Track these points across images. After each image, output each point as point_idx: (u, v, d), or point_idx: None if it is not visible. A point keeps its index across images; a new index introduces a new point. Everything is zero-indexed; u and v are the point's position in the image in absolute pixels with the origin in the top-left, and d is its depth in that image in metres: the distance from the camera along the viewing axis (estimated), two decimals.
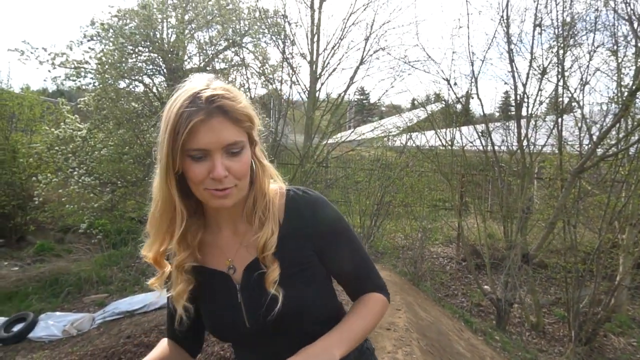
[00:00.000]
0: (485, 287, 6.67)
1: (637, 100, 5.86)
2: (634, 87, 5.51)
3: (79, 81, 8.37)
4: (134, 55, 8.40)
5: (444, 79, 7.15)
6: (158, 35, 8.51)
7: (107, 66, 7.80)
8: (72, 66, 8.03)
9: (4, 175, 9.46)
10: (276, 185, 1.03)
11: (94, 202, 8.34)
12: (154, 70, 8.73)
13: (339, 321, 1.02)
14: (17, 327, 5.95)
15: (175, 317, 1.05)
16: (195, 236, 1.01)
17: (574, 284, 6.09)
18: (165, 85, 8.74)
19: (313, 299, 0.99)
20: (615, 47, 6.08)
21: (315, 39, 9.03)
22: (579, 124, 6.36)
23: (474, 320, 5.51)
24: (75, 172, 8.16)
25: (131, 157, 8.30)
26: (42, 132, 9.27)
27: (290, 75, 7.92)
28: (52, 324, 6.01)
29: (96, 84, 8.40)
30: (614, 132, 6.10)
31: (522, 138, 6.59)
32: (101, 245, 8.23)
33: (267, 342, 1.00)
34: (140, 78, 8.59)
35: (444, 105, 7.93)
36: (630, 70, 5.97)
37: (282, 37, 8.11)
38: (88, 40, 8.21)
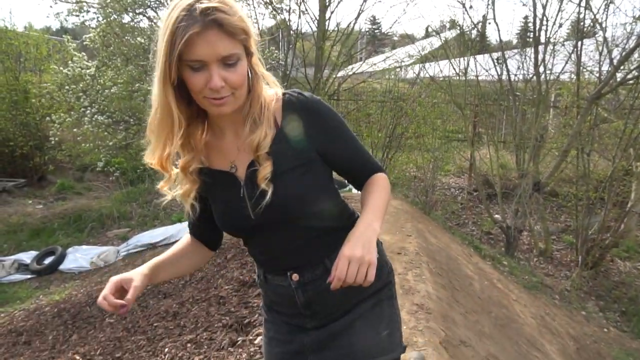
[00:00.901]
0: (496, 215, 6.78)
1: None
2: None
3: (82, 16, 8.17)
4: None
5: (459, 1, 6.81)
6: None
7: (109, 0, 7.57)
8: (74, 0, 7.80)
9: (19, 116, 9.55)
10: (272, 91, 1.07)
11: (109, 141, 8.45)
12: (157, 3, 8.43)
13: (349, 217, 1.14)
14: (47, 260, 6.31)
15: (194, 215, 1.13)
16: (199, 140, 1.07)
17: (584, 211, 6.15)
18: None
19: (307, 193, 1.05)
20: None
21: None
22: (600, 48, 6.09)
23: (483, 247, 5.68)
24: (88, 111, 8.20)
25: (142, 95, 8.27)
26: (51, 72, 9.22)
27: (299, 4, 7.60)
28: (80, 257, 6.36)
29: (99, 18, 8.19)
30: (636, 55, 5.85)
31: (539, 64, 6.37)
32: (119, 183, 8.45)
33: (274, 236, 1.07)
34: (144, 12, 8.33)
35: (458, 32, 7.61)
36: None
37: None
38: None
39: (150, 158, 1.03)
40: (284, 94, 1.07)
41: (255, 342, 2.45)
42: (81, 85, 8.47)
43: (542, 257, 6.54)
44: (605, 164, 6.84)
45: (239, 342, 2.51)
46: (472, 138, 8.48)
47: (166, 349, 2.87)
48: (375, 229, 0.99)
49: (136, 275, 1.03)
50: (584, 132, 6.22)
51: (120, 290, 1.01)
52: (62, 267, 6.24)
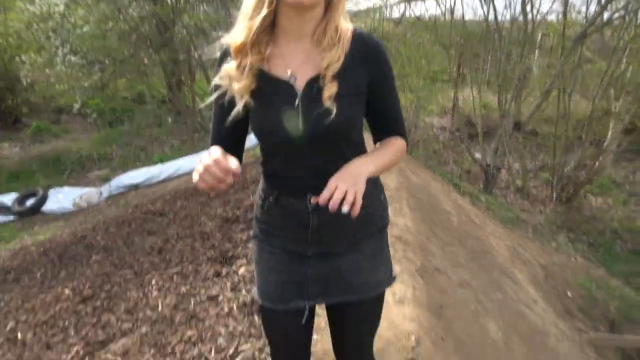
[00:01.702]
0: (476, 155, 6.90)
1: None
2: None
3: None
4: None
5: None
6: None
7: None
8: None
9: None
10: (346, 23, 1.11)
11: (84, 82, 8.15)
12: None
13: (363, 152, 1.18)
14: (29, 202, 6.27)
15: (223, 123, 1.13)
16: (267, 46, 1.09)
17: (561, 150, 6.30)
18: None
19: (358, 121, 1.12)
20: None
21: None
22: None
23: (463, 184, 5.82)
24: (60, 51, 7.82)
25: (115, 34, 7.89)
26: (17, 9, 8.66)
27: None
28: (62, 198, 6.33)
29: None
30: None
31: (527, 2, 6.24)
32: (97, 125, 8.27)
33: (309, 152, 1.09)
34: None
35: None
36: None
37: None
38: None
39: (235, 38, 1.06)
40: (354, 29, 1.11)
41: (239, 272, 2.53)
42: (50, 23, 8.02)
43: (519, 194, 6.76)
44: (586, 104, 6.93)
45: (223, 273, 2.60)
46: (456, 79, 8.44)
47: (153, 281, 2.96)
48: (369, 170, 1.04)
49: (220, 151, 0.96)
50: (567, 72, 6.23)
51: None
52: (44, 208, 6.22)
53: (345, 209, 0.94)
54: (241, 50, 1.06)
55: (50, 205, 6.21)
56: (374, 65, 1.10)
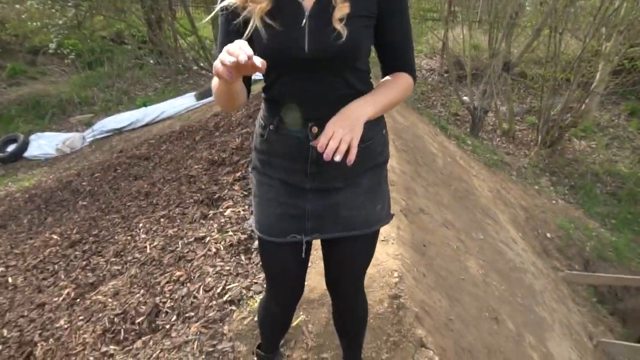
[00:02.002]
0: (464, 97, 6.85)
1: None
2: None
3: None
4: None
5: None
6: None
7: None
8: None
9: None
10: None
11: (58, 19, 7.74)
12: None
13: (368, 82, 1.15)
14: (10, 148, 6.15)
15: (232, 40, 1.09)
16: None
17: (549, 92, 6.28)
18: None
19: (365, 46, 1.08)
20: None
21: None
22: None
23: (449, 127, 5.82)
24: None
25: None
26: None
27: None
28: (44, 144, 6.21)
29: None
30: None
31: None
32: (75, 66, 7.96)
33: (316, 77, 1.07)
34: None
35: None
36: None
37: None
38: None
39: None
40: None
41: (226, 214, 2.56)
42: None
43: (505, 137, 6.80)
44: (577, 44, 6.81)
45: (210, 215, 2.62)
46: (447, 17, 8.18)
47: (140, 225, 2.98)
48: (369, 112, 1.02)
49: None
50: (559, 9, 6.07)
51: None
52: (26, 154, 6.12)
53: (337, 158, 0.94)
54: None
55: (32, 151, 6.10)
56: None
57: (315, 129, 1.08)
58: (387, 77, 1.16)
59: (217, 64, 0.83)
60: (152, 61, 8.53)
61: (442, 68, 8.42)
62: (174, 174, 3.72)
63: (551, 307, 3.12)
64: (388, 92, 1.10)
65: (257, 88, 2.90)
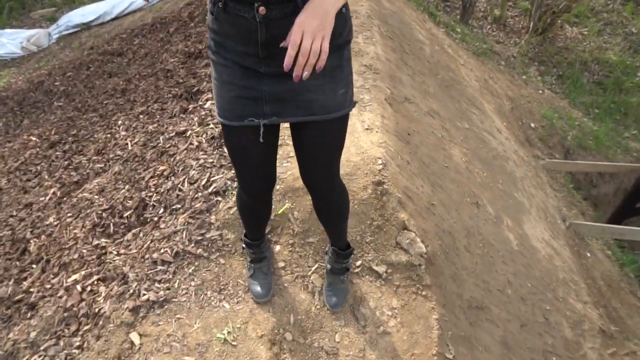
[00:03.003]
0: None
1: None
2: None
3: None
4: None
5: None
6: None
7: None
8: None
9: None
10: None
11: None
12: None
13: None
14: None
15: None
16: None
17: None
18: None
19: None
20: None
21: None
22: None
23: (439, 13, 5.52)
24: None
25: None
26: None
27: None
28: (6, 42, 5.80)
29: None
30: None
31: None
32: None
33: None
34: None
35: None
36: None
37: None
38: None
39: None
40: None
41: (205, 106, 2.48)
42: None
43: (496, 24, 6.52)
44: None
45: (190, 109, 2.55)
46: None
47: (120, 122, 2.90)
48: (335, 5, 0.92)
49: None
50: None
51: None
52: None
53: (305, 75, 0.87)
54: None
55: None
56: None
57: (262, 10, 0.99)
58: None
59: None
60: None
61: None
62: (150, 69, 3.55)
63: (529, 193, 3.24)
64: None
65: None
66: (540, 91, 5.37)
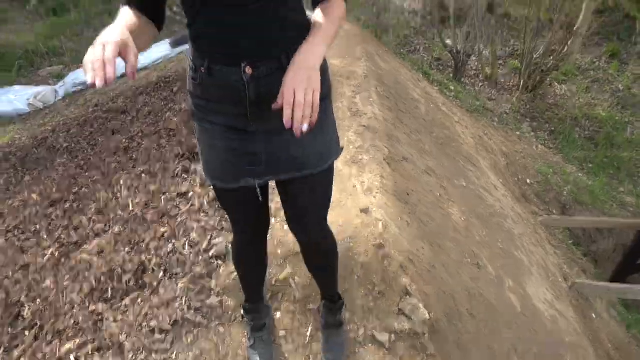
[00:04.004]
0: (447, 40, 6.71)
1: None
2: None
3: None
4: None
5: None
6: None
7: None
8: None
9: None
10: None
11: None
12: None
13: (308, 22, 1.08)
14: None
15: None
16: None
17: (532, 34, 6.19)
18: None
19: None
20: None
21: None
22: None
23: (432, 72, 5.74)
24: None
25: None
26: None
27: None
28: (14, 99, 5.95)
29: None
30: None
31: None
32: (38, 13, 7.49)
33: (244, 8, 0.98)
34: None
35: None
36: None
37: None
38: None
39: None
40: None
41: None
42: None
43: (488, 82, 6.76)
44: None
45: (192, 169, 2.58)
46: None
47: (122, 181, 2.93)
48: (321, 54, 0.97)
49: (124, 34, 0.84)
50: None
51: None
52: None
53: (305, 128, 0.91)
54: None
55: (2, 107, 5.85)
56: None
57: (249, 69, 1.01)
58: (319, 10, 1.07)
59: (85, 62, 0.77)
60: (120, 6, 8.08)
61: (425, 10, 8.18)
62: (153, 127, 3.62)
63: (529, 251, 3.24)
64: (330, 25, 1.04)
65: None
66: (535, 147, 5.49)
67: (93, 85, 0.74)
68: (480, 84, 6.71)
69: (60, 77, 6.40)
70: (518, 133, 5.64)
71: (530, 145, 5.47)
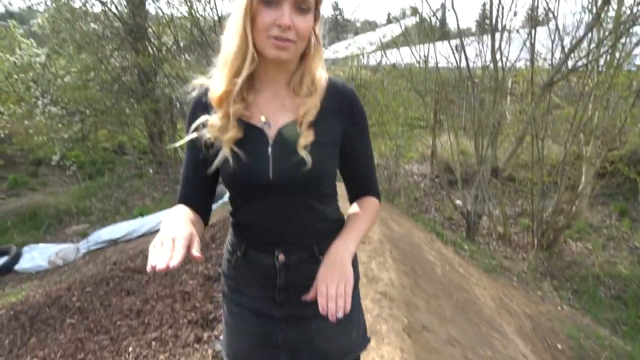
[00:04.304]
0: (457, 201, 6.98)
1: (610, 9, 5.80)
2: None
3: (29, 0, 7.73)
4: None
5: None
6: None
7: None
8: None
9: None
10: (322, 72, 1.12)
11: (64, 133, 8.10)
12: None
13: (339, 214, 1.18)
14: (1, 260, 6.03)
15: (197, 172, 1.11)
16: (248, 93, 1.08)
17: (539, 195, 6.43)
18: (125, 3, 8.15)
19: (330, 171, 1.11)
20: None
21: None
22: (552, 36, 6.33)
23: (445, 232, 5.85)
24: (40, 102, 7.81)
25: (97, 84, 7.95)
26: None
27: None
28: (36, 256, 6.11)
29: (48, 2, 7.77)
30: (585, 44, 6.10)
31: (496, 51, 6.54)
32: (77, 177, 8.15)
33: (277, 198, 1.07)
34: None
35: (418, 20, 7.70)
36: None
37: None
38: None
39: (214, 91, 1.05)
40: (329, 77, 1.12)
41: (221, 337, 2.44)
42: (31, 74, 8.05)
43: (501, 241, 6.80)
44: (558, 149, 7.15)
45: (205, 338, 2.50)
46: (433, 125, 8.66)
47: (130, 348, 2.83)
48: (351, 250, 1.05)
49: (190, 228, 0.89)
50: (538, 118, 6.46)
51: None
52: (17, 267, 5.98)
53: (339, 315, 0.95)
54: (224, 100, 1.05)
55: (24, 264, 5.98)
56: (349, 115, 1.11)
57: (282, 257, 1.08)
58: (355, 206, 1.18)
59: (151, 249, 0.81)
60: (151, 171, 8.78)
61: (433, 173, 8.70)
62: (169, 290, 3.62)
63: None
64: (362, 224, 1.13)
65: None
66: (559, 307, 5.25)
67: (153, 268, 0.77)
68: (494, 242, 6.76)
69: (84, 235, 6.66)
70: (539, 293, 5.46)
71: (555, 305, 5.24)
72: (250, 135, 1.06)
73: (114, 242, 6.09)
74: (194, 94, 1.12)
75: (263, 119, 1.06)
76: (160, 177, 8.65)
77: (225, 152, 1.04)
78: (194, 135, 1.08)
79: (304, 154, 1.01)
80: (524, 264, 6.10)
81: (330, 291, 0.95)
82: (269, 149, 1.04)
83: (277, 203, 1.06)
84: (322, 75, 1.09)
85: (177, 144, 1.19)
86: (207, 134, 1.06)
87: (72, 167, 8.05)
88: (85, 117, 8.37)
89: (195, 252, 0.83)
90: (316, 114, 1.05)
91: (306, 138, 1.03)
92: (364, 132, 1.15)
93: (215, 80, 1.06)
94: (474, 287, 4.12)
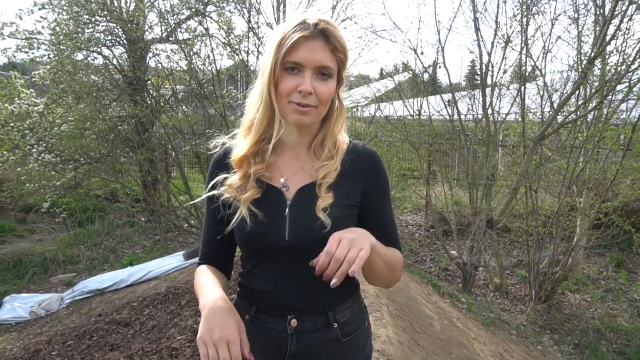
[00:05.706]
0: (452, 252, 6.90)
1: (595, 68, 6.03)
2: (592, 55, 5.66)
3: (32, 53, 7.91)
4: (90, 25, 7.95)
5: (411, 48, 7.15)
6: (116, 4, 8.07)
7: (61, 37, 7.37)
8: (23, 37, 7.57)
9: None
10: (343, 135, 1.15)
11: (56, 180, 8.03)
12: (113, 41, 8.31)
13: (357, 282, 1.17)
14: None
15: (217, 232, 1.12)
16: (269, 154, 1.10)
17: (534, 246, 6.38)
18: (126, 56, 8.36)
19: None
20: (576, 15, 6.19)
21: (282, 7, 8.84)
22: (541, 92, 6.53)
23: (442, 284, 5.73)
24: (34, 150, 7.79)
25: (93, 133, 7.98)
26: None
27: (257, 46, 7.72)
28: (18, 306, 5.88)
29: (51, 55, 7.95)
30: (573, 100, 6.29)
31: (487, 106, 6.71)
32: (66, 224, 8.00)
33: (292, 260, 1.04)
34: (98, 49, 8.18)
35: (411, 75, 7.95)
36: (589, 38, 6.11)
37: (247, 5, 7.84)
38: (39, 9, 7.72)
39: (237, 152, 1.07)
40: (350, 140, 1.15)
41: None
42: (27, 122, 8.08)
43: (498, 292, 6.67)
44: (552, 200, 7.18)
45: None
46: (427, 176, 8.73)
47: None
48: (373, 241, 0.97)
49: (237, 322, 0.93)
50: (531, 170, 6.53)
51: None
52: None
53: (334, 281, 0.87)
54: (245, 161, 1.07)
55: (3, 314, 5.75)
56: (370, 178, 1.11)
57: (294, 322, 1.04)
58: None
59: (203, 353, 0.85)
60: (143, 219, 8.66)
61: (427, 223, 8.66)
62: (155, 345, 3.45)
63: None
64: (386, 249, 1.07)
65: None
66: None
67: None
68: (491, 294, 6.62)
69: (70, 284, 6.45)
70: (540, 347, 5.28)
71: None
72: (269, 196, 1.07)
73: (100, 292, 5.89)
74: (215, 151, 1.15)
75: (282, 180, 1.08)
76: (152, 225, 8.53)
77: (242, 211, 1.05)
78: (213, 192, 1.09)
79: (322, 216, 1.01)
80: (523, 317, 5.95)
81: (340, 249, 0.88)
82: (287, 210, 1.04)
83: (292, 265, 1.04)
84: (344, 138, 1.12)
85: (194, 202, 1.22)
86: (226, 194, 1.07)
87: (62, 214, 7.92)
88: (80, 165, 8.34)
89: (247, 352, 0.87)
90: (336, 176, 1.06)
91: (325, 200, 1.03)
92: (384, 193, 1.15)
93: (239, 143, 1.09)
94: (473, 343, 3.97)
